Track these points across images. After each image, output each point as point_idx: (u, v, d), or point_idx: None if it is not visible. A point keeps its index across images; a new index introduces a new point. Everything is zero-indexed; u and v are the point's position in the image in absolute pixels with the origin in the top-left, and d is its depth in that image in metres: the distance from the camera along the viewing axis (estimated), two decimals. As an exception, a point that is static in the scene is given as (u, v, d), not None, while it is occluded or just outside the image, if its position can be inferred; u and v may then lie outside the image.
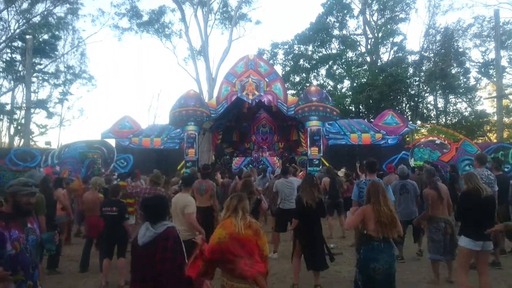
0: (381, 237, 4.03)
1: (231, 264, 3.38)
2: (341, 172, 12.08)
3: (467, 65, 29.89)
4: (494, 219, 5.01)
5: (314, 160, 17.27)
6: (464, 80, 29.94)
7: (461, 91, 29.76)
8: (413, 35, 67.99)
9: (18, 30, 27.41)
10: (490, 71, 28.62)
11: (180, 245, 3.08)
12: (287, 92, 19.99)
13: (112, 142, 18.85)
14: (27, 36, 24.83)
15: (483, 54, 29.58)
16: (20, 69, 30.43)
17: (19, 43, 29.50)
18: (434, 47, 30.58)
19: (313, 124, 17.65)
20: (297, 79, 32.99)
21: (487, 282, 4.87)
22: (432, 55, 30.38)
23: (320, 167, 15.68)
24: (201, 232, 5.88)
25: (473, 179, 4.83)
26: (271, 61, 31.07)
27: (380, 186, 4.27)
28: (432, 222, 6.01)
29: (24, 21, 27.63)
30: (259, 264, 3.46)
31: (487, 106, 33.03)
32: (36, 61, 30.72)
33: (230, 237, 3.41)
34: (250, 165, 18.18)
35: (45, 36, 30.72)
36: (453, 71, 29.32)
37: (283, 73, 31.71)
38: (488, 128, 30.05)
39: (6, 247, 2.85)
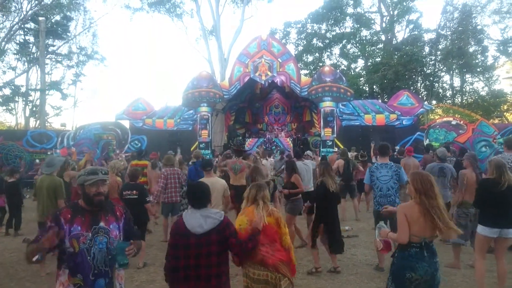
0: (422, 243, 3.24)
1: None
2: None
3: (485, 43, 29.11)
4: None
5: (328, 141, 17.19)
6: (482, 58, 29.20)
7: (478, 70, 29.04)
8: (429, 13, 66.27)
9: (30, 12, 27.40)
10: (509, 49, 27.83)
11: None
12: (300, 72, 19.78)
13: (126, 123, 19.06)
14: (40, 18, 24.84)
15: (502, 31, 28.76)
16: (33, 50, 30.61)
17: (32, 25, 29.56)
18: (451, 24, 29.73)
19: (327, 105, 17.48)
20: (310, 58, 32.60)
21: (504, 267, 4.86)
22: (449, 33, 29.60)
23: (336, 149, 15.64)
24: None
25: (501, 169, 4.73)
26: (283, 41, 30.68)
27: (430, 177, 3.35)
28: (461, 207, 5.94)
29: (36, 2, 27.59)
30: (281, 252, 3.45)
31: (505, 85, 32.27)
32: (49, 43, 30.82)
33: (250, 224, 3.42)
34: (264, 147, 18.18)
35: (57, 17, 30.70)
36: (471, 50, 28.57)
37: (296, 52, 31.35)
38: (505, 108, 29.42)
39: (65, 242, 2.54)
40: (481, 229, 4.80)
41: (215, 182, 5.80)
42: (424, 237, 3.24)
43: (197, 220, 2.99)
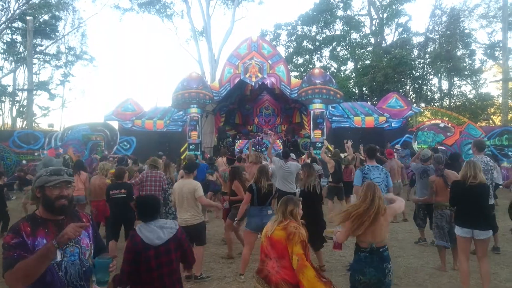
0: (368, 248, 3.55)
1: (261, 264, 3.34)
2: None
3: (473, 46, 29.51)
4: (488, 207, 4.95)
5: (317, 143, 17.25)
6: (469, 62, 29.60)
7: (466, 73, 29.44)
8: (418, 16, 67.03)
9: (18, 11, 27.04)
10: (496, 53, 28.24)
11: None
12: (290, 74, 19.83)
13: (115, 124, 18.86)
14: (28, 17, 24.55)
15: (489, 35, 29.18)
16: (21, 50, 30.23)
17: (19, 24, 29.22)
18: (439, 28, 30.11)
19: (317, 107, 17.57)
20: (300, 60, 32.71)
21: (486, 268, 4.91)
22: (438, 36, 29.96)
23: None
24: (218, 206, 6.35)
25: (467, 166, 4.84)
26: (274, 43, 30.76)
27: (377, 190, 3.66)
28: (437, 209, 6.04)
29: (23, 1, 27.25)
30: (288, 270, 3.18)
31: (492, 88, 32.76)
32: (37, 42, 30.47)
33: (264, 236, 3.38)
34: (253, 148, 18.16)
35: (45, 17, 30.37)
36: (459, 53, 28.96)
37: (286, 54, 31.43)
38: (492, 111, 29.85)
39: None
40: (456, 229, 4.96)
41: (184, 184, 5.77)
42: (371, 243, 3.54)
43: (155, 233, 3.05)
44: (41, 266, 2.06)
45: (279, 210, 3.41)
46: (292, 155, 10.37)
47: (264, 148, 18.16)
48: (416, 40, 31.08)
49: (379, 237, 3.55)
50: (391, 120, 17.83)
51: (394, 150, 13.50)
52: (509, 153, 15.92)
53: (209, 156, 16.09)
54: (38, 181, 2.30)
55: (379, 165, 6.01)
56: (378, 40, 31.85)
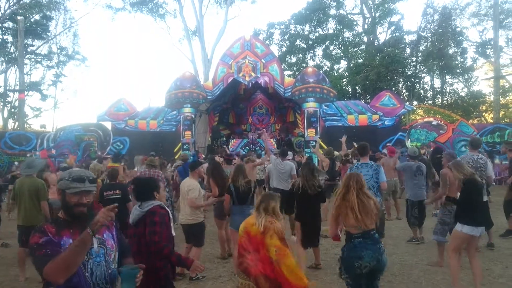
0: (361, 233, 3.66)
1: (241, 257, 3.42)
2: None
3: (465, 45, 29.73)
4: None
5: (311, 142, 17.26)
6: (461, 60, 29.82)
7: (458, 71, 29.65)
8: (410, 15, 67.39)
9: (8, 11, 26.80)
10: (487, 51, 28.47)
11: (166, 220, 3.27)
12: (284, 73, 19.83)
13: (108, 124, 18.73)
14: (18, 17, 24.29)
15: (481, 33, 29.40)
16: (12, 50, 29.92)
17: (10, 24, 28.92)
18: (431, 26, 30.27)
19: (310, 105, 17.59)
20: (294, 59, 32.74)
21: (479, 264, 4.92)
22: (430, 35, 30.13)
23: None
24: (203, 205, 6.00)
25: (464, 166, 4.84)
26: (267, 42, 30.76)
27: (353, 176, 3.84)
28: (446, 204, 5.97)
29: (14, 1, 27.00)
30: (264, 264, 3.27)
31: (483, 86, 33.01)
32: (28, 43, 30.19)
33: (243, 231, 3.49)
34: (247, 147, 18.16)
35: (37, 17, 30.11)
36: (450, 51, 29.14)
37: (279, 53, 31.44)
38: (484, 108, 30.10)
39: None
40: (467, 229, 4.72)
41: (185, 183, 5.87)
42: (362, 227, 3.63)
43: (132, 213, 3.33)
44: (80, 255, 2.06)
45: (260, 206, 3.51)
46: (290, 154, 10.41)
47: (258, 147, 18.18)
48: (408, 38, 31.30)
49: (369, 219, 3.66)
50: (384, 118, 17.92)
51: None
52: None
53: (204, 156, 16.04)
54: (59, 184, 2.28)
55: (369, 162, 6.03)
56: (371, 38, 31.97)
